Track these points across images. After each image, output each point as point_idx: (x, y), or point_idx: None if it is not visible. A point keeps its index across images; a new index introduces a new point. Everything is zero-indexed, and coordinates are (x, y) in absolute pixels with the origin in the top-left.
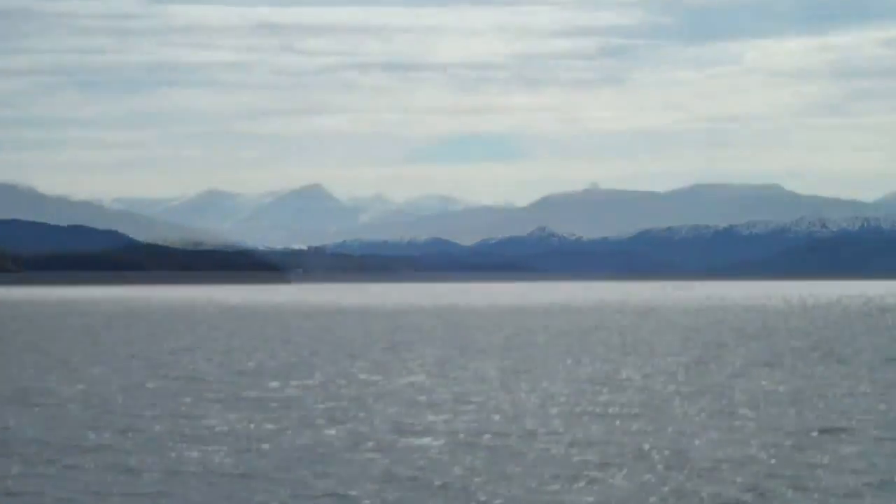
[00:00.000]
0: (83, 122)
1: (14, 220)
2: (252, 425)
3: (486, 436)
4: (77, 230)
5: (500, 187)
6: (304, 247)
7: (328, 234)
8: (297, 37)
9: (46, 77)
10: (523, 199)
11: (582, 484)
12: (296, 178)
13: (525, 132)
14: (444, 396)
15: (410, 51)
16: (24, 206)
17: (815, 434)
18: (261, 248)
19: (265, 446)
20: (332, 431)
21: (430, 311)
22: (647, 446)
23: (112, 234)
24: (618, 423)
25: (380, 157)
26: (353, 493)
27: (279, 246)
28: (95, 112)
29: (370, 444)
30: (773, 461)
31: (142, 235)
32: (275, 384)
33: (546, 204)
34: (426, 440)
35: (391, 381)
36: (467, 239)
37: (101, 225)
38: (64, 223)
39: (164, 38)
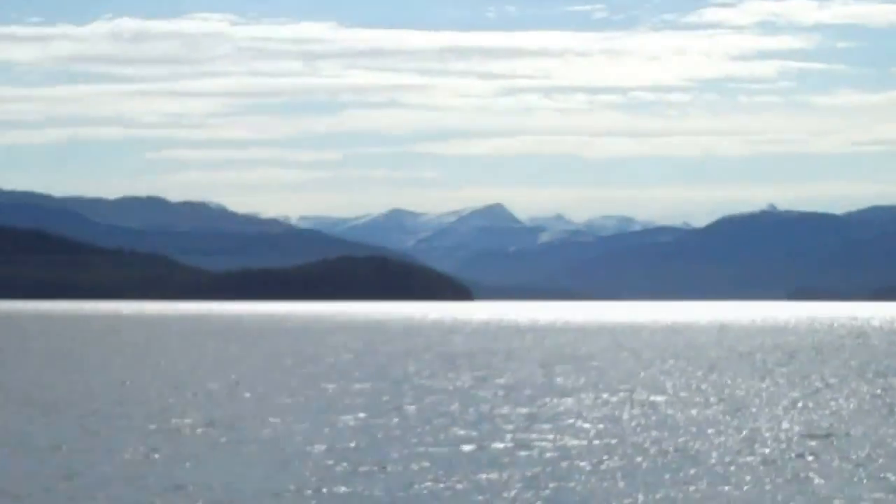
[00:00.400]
0: (271, 143)
1: (206, 236)
2: (550, 441)
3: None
4: (266, 246)
5: (678, 208)
6: (485, 265)
7: (508, 253)
8: (479, 60)
9: (237, 99)
10: (700, 220)
11: None
12: (478, 197)
13: (702, 154)
14: (730, 418)
15: (592, 74)
16: (215, 223)
17: None
18: (443, 265)
19: (583, 463)
20: (654, 450)
21: (629, 329)
22: None
23: (299, 251)
24: None
25: (560, 177)
26: None
27: (461, 263)
28: (283, 133)
29: (714, 462)
30: None
31: (327, 252)
32: (545, 401)
33: (723, 224)
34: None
35: (670, 400)
36: (645, 258)
37: (288, 242)
38: (253, 240)
39: (350, 62)
